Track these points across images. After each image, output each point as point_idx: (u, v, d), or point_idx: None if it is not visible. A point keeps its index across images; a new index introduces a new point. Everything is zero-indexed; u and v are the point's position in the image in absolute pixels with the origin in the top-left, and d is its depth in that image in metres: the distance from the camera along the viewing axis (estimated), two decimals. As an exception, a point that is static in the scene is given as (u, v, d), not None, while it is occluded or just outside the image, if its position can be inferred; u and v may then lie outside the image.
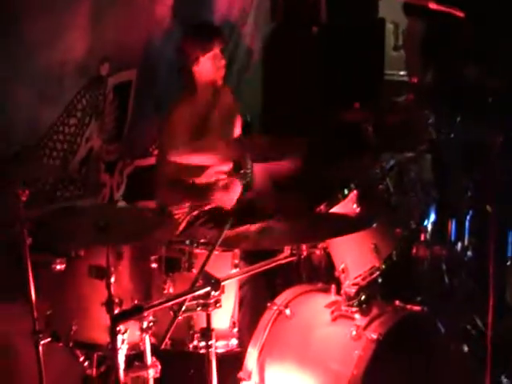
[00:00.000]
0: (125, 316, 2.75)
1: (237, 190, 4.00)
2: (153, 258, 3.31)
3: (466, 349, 3.47)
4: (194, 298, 2.89)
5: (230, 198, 4.01)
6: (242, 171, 2.94)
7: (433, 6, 4.41)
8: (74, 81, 4.07)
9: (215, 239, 2.92)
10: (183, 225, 4.20)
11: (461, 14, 4.28)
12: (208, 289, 2.84)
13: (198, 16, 4.79)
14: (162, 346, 3.07)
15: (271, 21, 5.50)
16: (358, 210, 3.32)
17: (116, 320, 2.79)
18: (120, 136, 4.47)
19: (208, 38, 4.18)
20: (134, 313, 2.76)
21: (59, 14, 3.90)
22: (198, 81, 4.20)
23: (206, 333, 2.93)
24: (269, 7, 5.49)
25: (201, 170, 4.17)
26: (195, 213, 4.21)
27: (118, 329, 3.08)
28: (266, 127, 5.09)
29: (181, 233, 4.12)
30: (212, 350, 2.92)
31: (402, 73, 5.73)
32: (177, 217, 4.20)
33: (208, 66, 4.17)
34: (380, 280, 3.48)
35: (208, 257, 2.88)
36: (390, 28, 6.24)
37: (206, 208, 4.19)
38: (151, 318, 3.19)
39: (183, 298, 2.84)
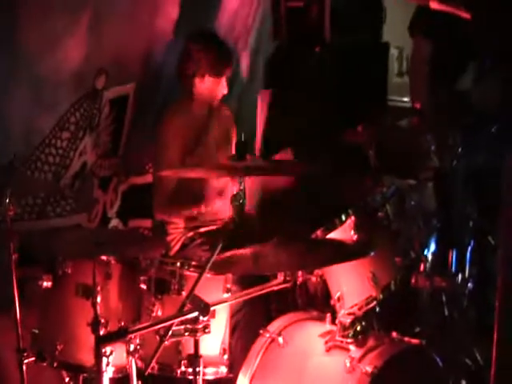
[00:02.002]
0: (109, 338, 2.65)
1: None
2: (142, 278, 3.21)
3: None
4: (182, 323, 2.80)
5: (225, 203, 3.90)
6: (234, 192, 2.83)
7: (434, 5, 4.30)
8: (70, 92, 3.98)
9: (206, 262, 2.81)
10: (178, 246, 4.10)
11: (467, 15, 4.16)
12: (196, 313, 2.74)
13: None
14: (148, 371, 2.96)
15: (273, 40, 5.42)
16: (355, 237, 3.21)
17: (100, 342, 2.69)
18: (115, 151, 4.37)
19: (225, 63, 4.06)
20: (119, 335, 2.66)
21: (57, 23, 3.81)
22: (197, 95, 4.10)
23: (194, 359, 2.84)
24: (271, 26, 5.41)
25: (201, 184, 4.06)
26: (190, 234, 4.11)
27: (103, 351, 3.00)
28: (266, 148, 5.00)
29: (175, 254, 4.02)
30: (199, 377, 2.83)
31: (405, 99, 5.65)
32: (172, 238, 4.10)
33: (210, 88, 4.07)
34: (378, 310, 3.37)
35: (197, 280, 2.79)
36: (395, 53, 6.18)
37: (202, 230, 4.08)
38: (138, 341, 3.09)
39: (170, 322, 2.74)
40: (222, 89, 4.09)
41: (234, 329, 3.58)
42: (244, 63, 5.22)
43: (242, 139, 2.94)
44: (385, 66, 5.71)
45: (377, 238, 3.27)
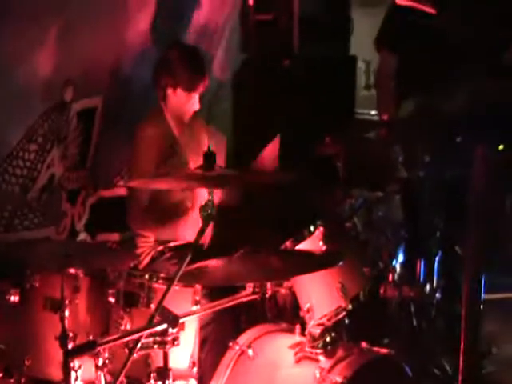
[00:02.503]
0: (77, 351, 2.63)
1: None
2: (110, 291, 3.18)
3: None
4: (151, 335, 2.78)
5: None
6: (202, 203, 2.82)
7: (401, 0, 4.33)
8: (38, 103, 3.95)
9: (175, 273, 2.80)
10: (147, 260, 4.07)
11: (432, 11, 4.19)
12: (165, 325, 2.72)
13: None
14: (117, 384, 2.93)
15: (242, 52, 5.42)
16: (324, 247, 3.22)
17: (68, 355, 2.66)
18: (83, 164, 4.34)
19: (199, 79, 4.00)
20: (87, 348, 2.63)
21: (26, 34, 3.79)
22: (169, 105, 4.07)
23: (163, 372, 2.82)
24: (239, 38, 5.42)
25: (175, 197, 4.04)
26: (160, 248, 4.08)
27: (71, 365, 2.98)
28: (237, 159, 5.00)
29: (144, 268, 3.99)
30: (168, 390, 2.81)
31: (372, 112, 5.68)
32: (141, 251, 4.07)
33: (181, 102, 4.04)
34: (347, 321, 3.38)
35: (166, 291, 2.76)
36: (362, 67, 6.21)
37: (171, 244, 4.06)
38: (107, 355, 3.06)
39: (139, 334, 2.72)
40: (194, 104, 4.06)
41: (203, 342, 3.56)
42: (213, 74, 5.21)
43: (210, 150, 2.93)
44: (352, 79, 5.74)
45: (345, 248, 3.29)
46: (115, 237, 4.47)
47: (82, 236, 4.38)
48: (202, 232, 2.87)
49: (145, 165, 3.93)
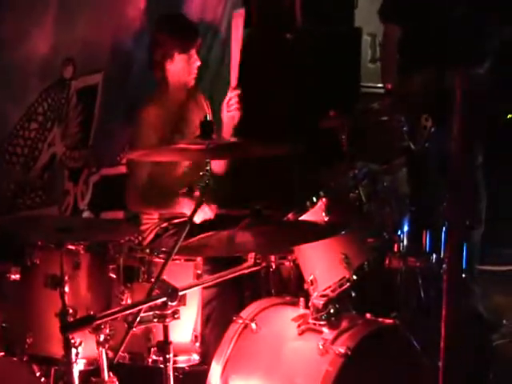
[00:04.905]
0: (74, 326, 2.59)
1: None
2: (111, 267, 3.15)
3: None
4: (151, 309, 2.74)
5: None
6: (200, 173, 2.78)
7: None
8: (38, 82, 3.91)
9: (173, 245, 2.76)
10: (151, 236, 4.04)
11: None
12: (164, 299, 2.69)
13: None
14: (119, 361, 2.90)
15: (245, 27, 5.35)
16: (326, 218, 3.16)
17: (65, 330, 2.62)
18: (85, 142, 4.31)
19: (189, 36, 4.05)
20: (84, 323, 2.59)
21: (24, 12, 3.75)
22: (171, 79, 4.05)
23: (164, 346, 2.79)
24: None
25: (174, 174, 4.00)
26: (164, 225, 4.05)
27: (72, 341, 2.95)
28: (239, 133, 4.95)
29: (148, 244, 3.96)
30: (169, 364, 2.77)
31: (378, 85, 5.60)
32: (145, 228, 4.04)
33: (182, 65, 4.03)
34: (353, 294, 3.32)
35: (165, 264, 2.72)
36: (367, 40, 6.13)
37: (176, 220, 4.02)
38: (108, 331, 3.02)
39: (138, 308, 2.68)
40: (195, 62, 4.06)
41: (207, 318, 3.53)
42: (215, 51, 5.16)
43: (208, 119, 2.88)
44: (357, 52, 5.66)
45: (348, 219, 3.23)
46: (119, 215, 4.43)
47: (86, 215, 4.36)
48: (199, 203, 2.84)
49: (143, 148, 3.90)
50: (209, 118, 2.90)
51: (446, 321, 2.11)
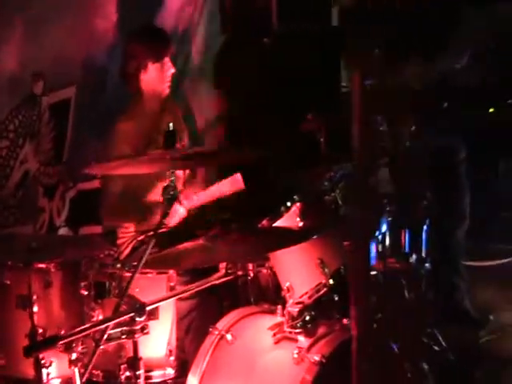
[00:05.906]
0: (37, 347, 2.52)
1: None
2: (83, 284, 3.08)
3: (425, 367, 3.22)
4: (119, 325, 2.67)
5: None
6: (165, 185, 2.72)
7: None
8: (7, 99, 3.87)
9: (140, 259, 2.69)
10: (128, 250, 3.97)
11: None
12: (132, 314, 2.61)
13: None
14: (87, 379, 2.82)
15: (221, 34, 5.30)
16: (301, 223, 3.09)
17: (27, 352, 2.54)
18: (59, 158, 4.25)
19: (161, 45, 4.02)
20: (48, 343, 2.52)
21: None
22: (145, 89, 4.01)
23: (134, 362, 2.73)
24: (218, 20, 5.29)
25: (149, 186, 3.95)
26: (141, 238, 3.97)
27: (42, 362, 2.89)
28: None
29: (126, 258, 3.89)
30: (141, 380, 2.71)
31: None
32: (122, 242, 3.98)
33: (156, 74, 3.99)
34: (336, 298, 3.25)
35: (131, 279, 2.65)
36: (348, 38, 6.05)
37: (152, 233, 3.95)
38: (80, 349, 2.95)
39: (105, 324, 2.61)
40: (169, 70, 4.02)
41: (187, 329, 3.49)
42: (192, 61, 5.10)
43: (171, 128, 2.82)
44: (337, 51, 5.58)
45: (323, 223, 3.16)
46: (97, 229, 4.37)
47: (63, 231, 4.29)
48: (164, 215, 2.77)
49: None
50: (171, 127, 2.83)
51: (356, 320, 2.05)
